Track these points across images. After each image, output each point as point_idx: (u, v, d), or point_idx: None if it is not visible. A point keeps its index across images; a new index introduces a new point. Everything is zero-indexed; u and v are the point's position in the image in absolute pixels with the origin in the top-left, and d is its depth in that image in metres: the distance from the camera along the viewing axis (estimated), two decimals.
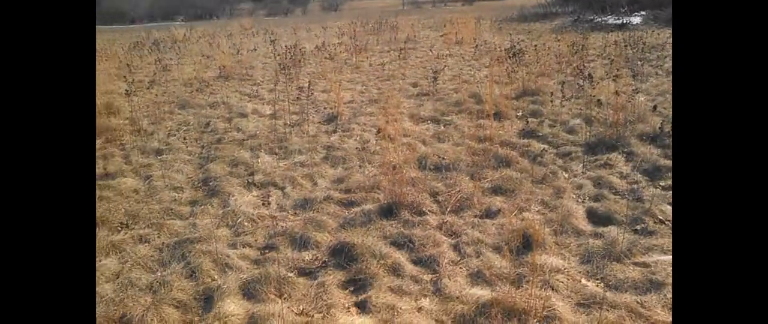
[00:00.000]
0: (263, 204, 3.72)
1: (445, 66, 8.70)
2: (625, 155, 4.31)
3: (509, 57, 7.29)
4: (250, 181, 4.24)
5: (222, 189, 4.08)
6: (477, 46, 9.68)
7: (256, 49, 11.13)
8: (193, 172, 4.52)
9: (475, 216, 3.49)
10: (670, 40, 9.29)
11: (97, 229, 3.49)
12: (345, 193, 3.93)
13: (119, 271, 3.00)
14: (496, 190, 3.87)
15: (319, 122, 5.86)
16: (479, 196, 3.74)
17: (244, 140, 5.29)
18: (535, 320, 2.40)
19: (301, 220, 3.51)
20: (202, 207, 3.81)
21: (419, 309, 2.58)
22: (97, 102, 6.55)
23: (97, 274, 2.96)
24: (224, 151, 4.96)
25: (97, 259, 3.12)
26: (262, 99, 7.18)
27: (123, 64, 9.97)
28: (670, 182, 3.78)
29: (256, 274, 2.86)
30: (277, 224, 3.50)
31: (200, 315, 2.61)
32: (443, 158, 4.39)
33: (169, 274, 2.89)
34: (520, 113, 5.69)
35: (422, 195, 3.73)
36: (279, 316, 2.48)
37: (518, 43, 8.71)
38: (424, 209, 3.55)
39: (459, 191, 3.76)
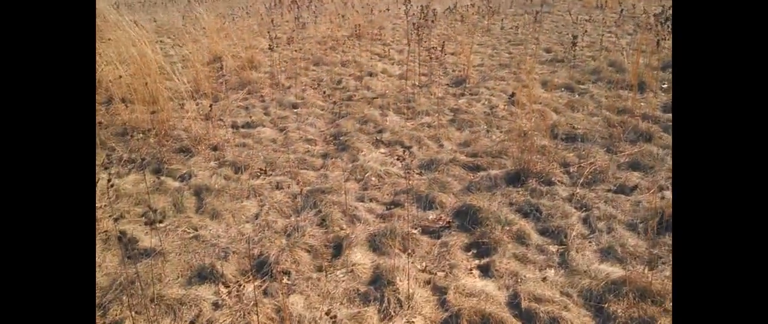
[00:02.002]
0: (390, 161, 3.80)
1: (584, 31, 8.17)
2: None
3: (659, 23, 6.65)
4: (378, 138, 4.35)
5: (351, 144, 4.22)
6: (622, 10, 8.94)
7: (388, 10, 11.21)
8: (325, 127, 4.72)
9: (609, 190, 3.29)
10: None
11: (239, 173, 3.81)
12: (471, 157, 3.89)
13: (257, 214, 3.25)
14: (634, 165, 3.61)
15: (447, 84, 5.81)
16: (614, 169, 3.52)
17: (373, 99, 5.41)
18: (672, 304, 2.24)
19: (426, 180, 3.55)
20: (333, 160, 3.98)
21: (544, 279, 2.51)
22: (242, 56, 7.05)
23: (239, 214, 3.23)
24: (354, 108, 5.11)
25: (239, 201, 3.41)
26: (391, 59, 7.26)
27: (264, 21, 10.57)
28: None
29: (382, 228, 2.95)
30: (402, 182, 3.56)
31: (330, 261, 2.76)
32: (577, 128, 4.17)
33: (302, 221, 3.08)
34: (666, 85, 5.21)
35: (552, 164, 3.59)
36: (403, 270, 2.55)
37: (669, 8, 7.90)
38: (553, 179, 3.42)
39: (592, 163, 3.56)
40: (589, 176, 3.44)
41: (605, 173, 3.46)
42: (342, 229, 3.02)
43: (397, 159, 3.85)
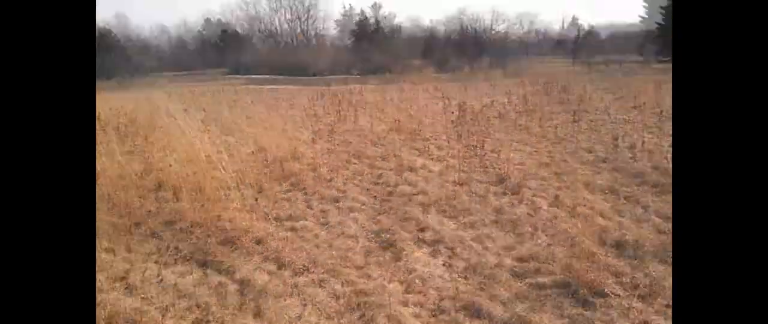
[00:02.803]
0: (433, 263, 3.75)
1: (624, 133, 8.18)
2: None
3: None
4: (420, 237, 4.32)
5: (394, 243, 4.20)
6: (661, 111, 8.97)
7: (426, 106, 11.53)
8: (367, 223, 4.73)
9: (667, 305, 3.14)
10: None
11: (282, 269, 3.80)
12: (517, 262, 3.81)
13: (300, 314, 3.20)
14: None
15: (488, 183, 5.82)
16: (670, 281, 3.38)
17: (413, 195, 5.44)
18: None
19: (471, 286, 3.46)
20: (375, 259, 3.95)
21: None
22: (285, 147, 7.26)
23: (281, 314, 3.19)
24: (395, 204, 5.14)
25: (281, 299, 3.37)
26: (430, 155, 7.35)
27: (306, 113, 10.98)
28: None
29: None
30: (447, 286, 3.49)
31: None
32: (626, 234, 4.06)
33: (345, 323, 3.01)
34: None
35: (603, 273, 3.47)
36: None
37: None
38: (606, 290, 3.29)
39: (647, 274, 3.43)
40: (645, 288, 3.30)
41: (660, 285, 3.32)
42: None
43: (432, 262, 3.79)
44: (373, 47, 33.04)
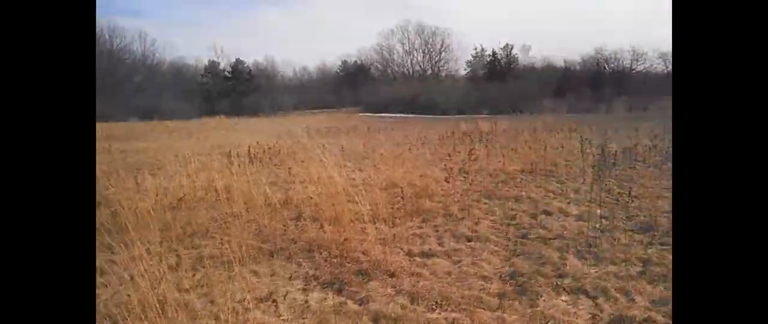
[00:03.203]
0: (575, 312, 3.54)
1: None
2: None
3: None
4: (558, 283, 4.11)
5: (529, 287, 4.04)
6: None
7: (562, 147, 11.10)
8: (500, 264, 4.61)
9: None
10: None
11: (415, 304, 3.82)
12: (669, 318, 3.47)
13: None
14: None
15: (632, 230, 5.41)
16: None
17: (549, 239, 5.22)
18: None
19: None
20: (510, 302, 3.82)
21: None
22: (417, 184, 7.38)
23: None
24: (530, 247, 4.96)
25: None
26: (567, 197, 7.04)
27: (437, 151, 11.10)
28: None
29: None
30: None
31: None
32: None
33: None
34: None
35: None
36: None
37: None
38: None
39: None
40: None
41: None
42: None
43: (573, 311, 3.57)
44: (503, 87, 32.80)
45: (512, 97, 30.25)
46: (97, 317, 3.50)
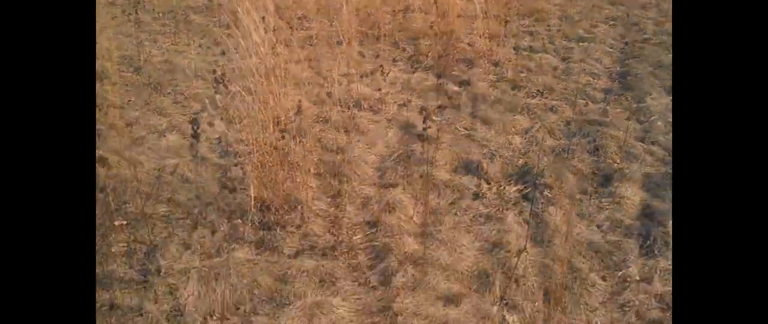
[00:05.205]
0: None
1: None
2: None
3: None
4: (669, 85, 3.89)
5: (638, 86, 3.87)
6: None
7: None
8: (611, 64, 4.40)
9: None
10: None
11: (516, 91, 3.83)
12: None
13: (529, 128, 3.26)
14: None
15: None
16: None
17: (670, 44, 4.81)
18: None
19: None
20: (615, 97, 3.72)
21: None
22: None
23: (510, 126, 3.29)
24: (648, 51, 4.63)
25: (511, 114, 3.46)
26: None
27: None
28: None
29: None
30: None
31: (596, 187, 2.65)
32: None
33: (574, 145, 2.99)
34: None
35: None
36: None
37: None
38: None
39: None
40: None
41: None
42: (616, 162, 2.84)
43: None
44: None
45: None
46: None
